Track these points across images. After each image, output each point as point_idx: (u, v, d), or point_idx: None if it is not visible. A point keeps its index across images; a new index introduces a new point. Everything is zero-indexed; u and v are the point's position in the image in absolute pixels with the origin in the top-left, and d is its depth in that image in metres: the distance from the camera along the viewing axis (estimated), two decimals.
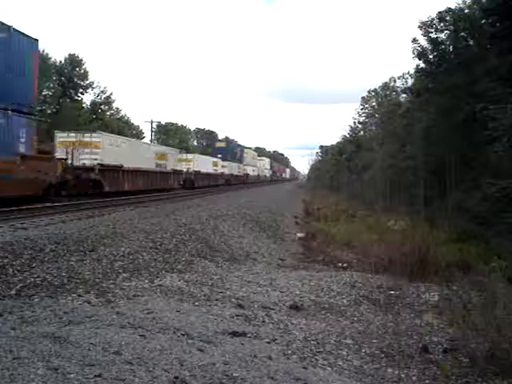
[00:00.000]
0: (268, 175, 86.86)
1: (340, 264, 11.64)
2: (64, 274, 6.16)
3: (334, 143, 69.25)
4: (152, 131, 59.45)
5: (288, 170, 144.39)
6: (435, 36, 25.00)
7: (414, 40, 25.41)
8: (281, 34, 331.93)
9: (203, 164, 40.21)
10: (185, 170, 35.23)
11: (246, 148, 69.42)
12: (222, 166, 48.26)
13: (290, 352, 4.46)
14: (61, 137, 20.08)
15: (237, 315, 5.45)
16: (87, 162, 19.43)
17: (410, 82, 35.98)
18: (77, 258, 7.01)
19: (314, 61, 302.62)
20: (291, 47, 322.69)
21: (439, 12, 24.52)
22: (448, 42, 25.04)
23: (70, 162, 18.32)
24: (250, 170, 64.66)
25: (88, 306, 5.06)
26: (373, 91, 51.68)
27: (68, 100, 48.74)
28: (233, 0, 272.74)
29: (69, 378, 2.98)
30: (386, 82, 48.05)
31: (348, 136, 57.22)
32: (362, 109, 53.84)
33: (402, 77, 41.15)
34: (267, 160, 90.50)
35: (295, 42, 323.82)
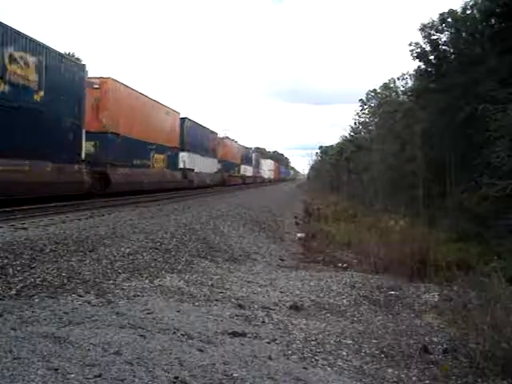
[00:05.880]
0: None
1: (340, 264, 11.65)
2: (64, 274, 6.15)
3: (334, 144, 69.31)
4: None
5: (270, 163, 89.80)
6: (436, 37, 25.04)
7: (415, 43, 25.50)
8: (283, 35, 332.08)
9: None
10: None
11: None
12: None
13: (290, 352, 4.45)
14: None
15: (237, 315, 5.44)
16: None
17: (410, 82, 36.11)
18: (77, 258, 7.00)
19: (315, 62, 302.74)
20: (293, 48, 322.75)
21: (441, 14, 24.57)
22: (449, 43, 25.07)
23: None
24: None
25: (88, 306, 5.05)
26: (372, 91, 51.76)
27: None
28: (239, 0, 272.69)
29: (69, 378, 2.97)
30: (385, 83, 48.13)
31: (348, 136, 57.34)
32: (361, 110, 54.00)
33: (402, 78, 41.27)
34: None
35: (297, 44, 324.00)
